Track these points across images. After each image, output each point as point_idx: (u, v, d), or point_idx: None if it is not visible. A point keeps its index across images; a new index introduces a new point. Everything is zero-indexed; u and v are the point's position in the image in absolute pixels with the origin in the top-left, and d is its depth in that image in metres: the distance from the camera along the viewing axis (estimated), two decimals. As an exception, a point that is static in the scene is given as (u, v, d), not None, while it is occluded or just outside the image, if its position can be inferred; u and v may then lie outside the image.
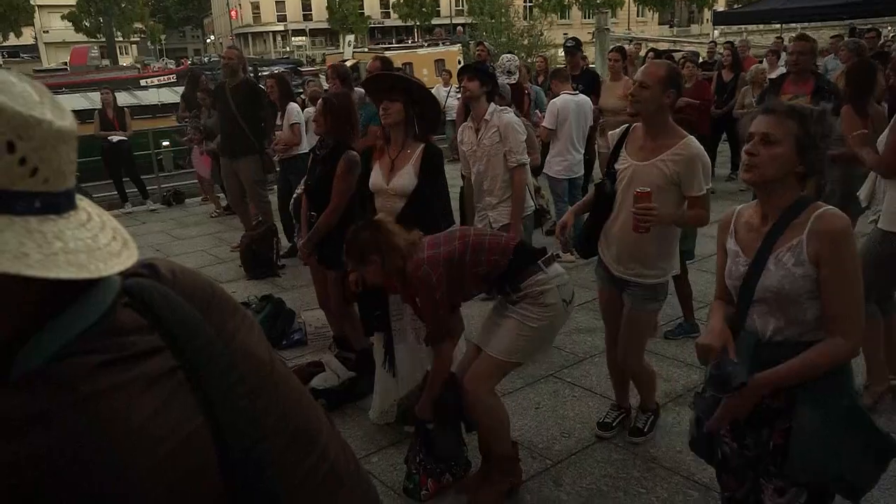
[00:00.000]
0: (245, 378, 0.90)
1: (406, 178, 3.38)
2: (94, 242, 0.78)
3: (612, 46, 13.79)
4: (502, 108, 4.51)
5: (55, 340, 0.75)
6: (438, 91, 11.90)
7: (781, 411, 2.03)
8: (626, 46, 16.13)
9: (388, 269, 2.89)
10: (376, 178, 3.50)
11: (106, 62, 37.84)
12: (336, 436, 1.07)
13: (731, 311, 2.16)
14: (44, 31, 56.37)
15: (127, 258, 0.81)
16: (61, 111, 0.78)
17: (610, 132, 3.41)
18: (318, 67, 27.85)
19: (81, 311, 0.78)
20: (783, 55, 11.64)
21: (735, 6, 66.73)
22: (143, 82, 23.33)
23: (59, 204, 0.76)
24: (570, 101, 5.89)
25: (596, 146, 7.03)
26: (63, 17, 50.98)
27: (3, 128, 0.70)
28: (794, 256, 1.96)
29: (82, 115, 13.30)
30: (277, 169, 7.13)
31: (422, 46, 24.85)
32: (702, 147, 3.01)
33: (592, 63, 14.69)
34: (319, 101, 4.07)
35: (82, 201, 0.83)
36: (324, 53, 45.61)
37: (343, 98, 4.14)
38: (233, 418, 0.85)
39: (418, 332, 3.41)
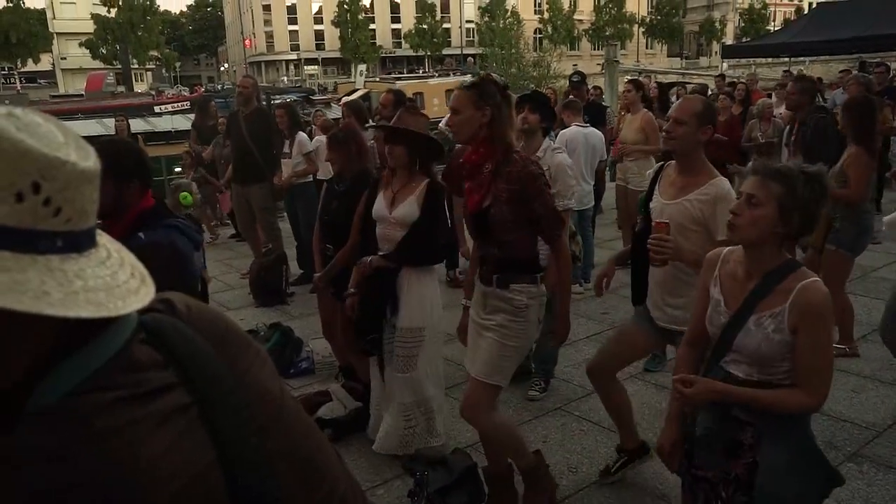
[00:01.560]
0: (256, 415, 0.91)
1: (408, 208, 3.45)
2: (112, 280, 0.79)
3: (626, 78, 13.93)
4: (556, 147, 4.40)
5: (73, 376, 0.77)
6: (449, 121, 11.99)
7: (744, 446, 2.09)
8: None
9: (496, 130, 2.78)
10: (379, 206, 3.57)
11: (121, 88, 38.41)
12: (345, 471, 1.07)
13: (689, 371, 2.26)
14: (61, 58, 57.48)
15: (144, 295, 0.82)
16: (85, 151, 0.80)
17: (648, 171, 3.39)
18: (329, 96, 28.18)
19: (99, 348, 0.79)
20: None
21: (744, 39, 67.27)
22: (157, 109, 23.68)
23: (80, 242, 0.78)
24: (578, 133, 5.93)
25: (608, 179, 7.07)
26: (81, 45, 52.00)
27: (30, 169, 0.72)
28: (774, 323, 2.02)
29: (97, 141, 13.53)
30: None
31: (433, 77, 25.15)
32: (731, 188, 2.92)
33: (603, 96, 14.82)
34: (327, 139, 4.11)
35: (101, 237, 0.84)
36: (335, 82, 46.23)
37: (348, 131, 4.19)
38: (244, 454, 0.85)
39: (403, 361, 3.46)
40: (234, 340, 0.99)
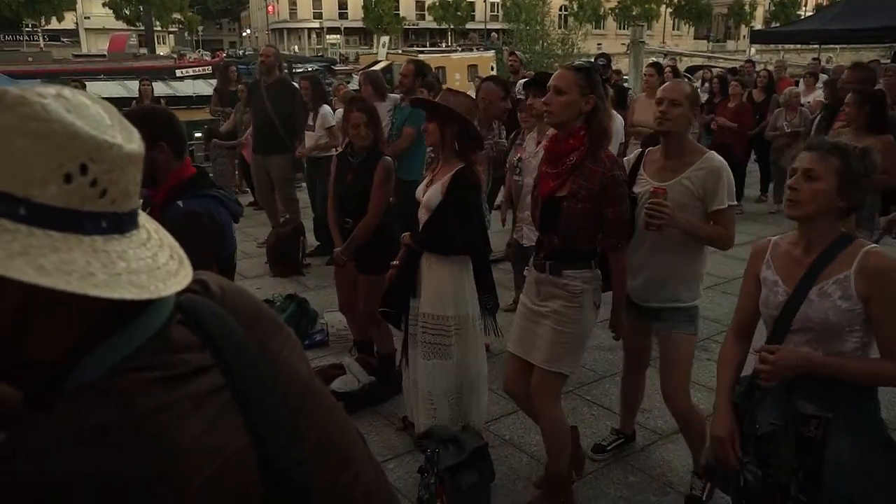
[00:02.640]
0: (288, 397, 0.92)
1: (433, 193, 3.41)
2: (153, 262, 0.81)
3: (647, 61, 13.73)
4: None
5: (113, 355, 0.78)
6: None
7: (812, 440, 2.05)
8: (663, 61, 16.06)
9: (595, 121, 2.75)
10: (419, 188, 3.56)
11: (144, 50, 38.44)
12: (367, 452, 1.09)
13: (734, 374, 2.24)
14: (85, 17, 57.41)
15: (183, 278, 0.84)
16: (129, 133, 0.81)
17: (625, 158, 3.38)
18: (351, 66, 28.02)
19: (139, 328, 0.81)
20: (821, 77, 11.52)
21: (773, 23, 66.04)
22: (178, 72, 23.67)
23: (123, 224, 0.79)
24: (616, 116, 5.88)
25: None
26: (104, 5, 51.84)
27: (79, 151, 0.73)
28: (840, 289, 1.99)
29: (119, 103, 13.53)
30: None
31: (455, 51, 24.93)
32: (724, 160, 2.97)
33: (626, 74, 14.63)
34: (355, 111, 4.06)
35: (140, 217, 0.86)
36: (357, 52, 45.90)
37: (366, 108, 4.16)
38: (276, 436, 0.87)
39: (426, 347, 3.43)
40: (266, 322, 1.00)
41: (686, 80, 12.93)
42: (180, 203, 2.38)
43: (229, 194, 2.64)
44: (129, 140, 0.79)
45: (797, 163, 2.05)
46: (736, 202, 3.03)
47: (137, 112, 2.52)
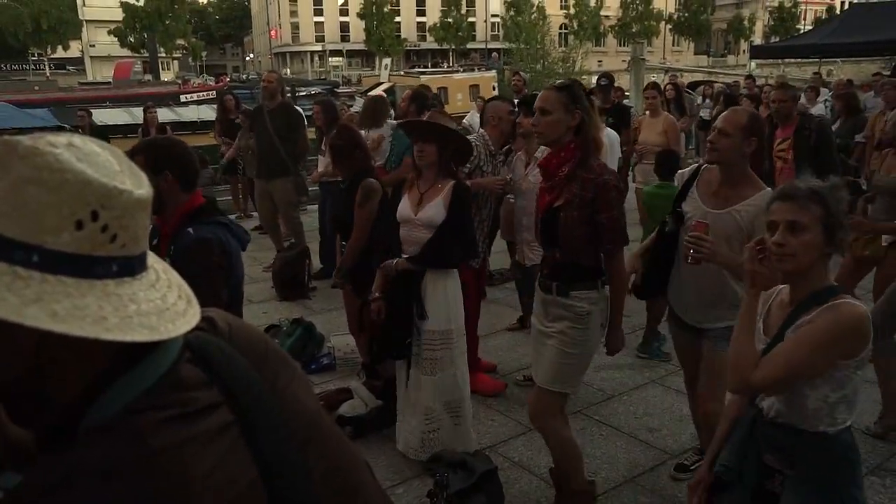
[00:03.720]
0: (296, 432, 0.93)
1: (434, 210, 3.45)
2: (163, 303, 0.82)
3: (648, 78, 13.81)
4: None
5: (126, 395, 0.79)
6: (472, 117, 11.96)
7: (776, 496, 2.00)
8: (664, 77, 16.13)
9: (584, 134, 2.81)
10: (404, 208, 3.57)
11: (148, 77, 38.81)
12: (375, 482, 1.10)
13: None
14: (90, 46, 58.19)
15: (192, 317, 0.85)
16: (138, 178, 0.83)
17: (680, 171, 3.38)
18: (353, 89, 28.27)
19: (150, 367, 0.82)
20: (823, 91, 11.57)
21: (773, 38, 66.27)
22: (182, 98, 23.89)
23: (133, 267, 0.81)
24: (610, 133, 5.90)
25: (630, 180, 7.04)
26: (109, 33, 52.57)
27: (90, 198, 0.75)
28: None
29: (124, 130, 13.73)
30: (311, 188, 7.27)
31: (457, 72, 25.11)
32: None
33: (628, 91, 14.73)
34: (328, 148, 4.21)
35: (150, 257, 0.87)
36: (360, 74, 46.35)
37: (343, 134, 4.25)
38: (285, 471, 0.88)
39: (429, 363, 3.45)
40: (274, 358, 1.02)
41: (687, 95, 13.03)
42: (190, 230, 2.44)
43: (237, 223, 2.68)
44: (139, 186, 0.81)
45: (775, 215, 1.95)
46: None
47: (142, 143, 2.58)
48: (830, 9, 76.17)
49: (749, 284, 2.02)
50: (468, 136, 4.45)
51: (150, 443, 0.75)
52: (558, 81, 3.03)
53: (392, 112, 7.49)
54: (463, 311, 3.60)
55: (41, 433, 0.83)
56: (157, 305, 0.81)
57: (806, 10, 74.43)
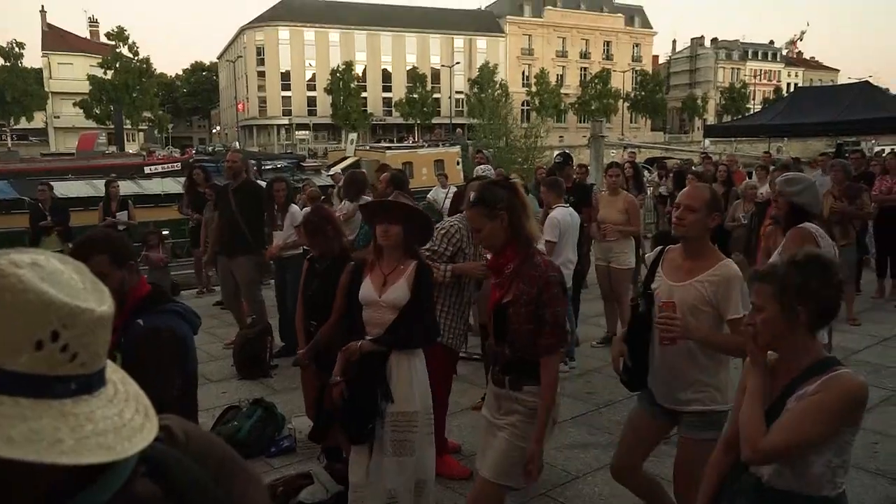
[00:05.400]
0: None
1: (399, 291, 3.43)
2: (120, 419, 0.82)
3: (607, 154, 14.30)
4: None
5: None
6: (437, 192, 12.19)
7: None
8: (622, 153, 16.66)
9: (513, 236, 2.85)
10: (367, 290, 3.52)
11: (113, 148, 38.69)
12: None
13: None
14: (55, 117, 58.03)
15: (148, 432, 0.85)
16: (100, 294, 0.84)
17: (647, 254, 3.45)
18: (319, 162, 28.53)
19: (104, 485, 0.81)
20: (772, 169, 12.06)
21: (725, 116, 69.14)
22: (147, 170, 23.77)
23: (91, 384, 0.81)
24: (566, 214, 6.04)
25: (592, 257, 7.18)
26: (75, 104, 52.60)
27: (52, 319, 0.75)
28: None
29: (86, 203, 13.57)
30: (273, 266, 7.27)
31: (422, 147, 25.61)
32: (738, 270, 2.99)
33: (588, 165, 15.17)
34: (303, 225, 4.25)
35: (108, 369, 0.87)
36: (326, 147, 46.91)
37: (317, 214, 4.31)
38: None
39: (393, 445, 3.39)
40: (230, 466, 1.01)
41: (645, 171, 13.48)
42: (140, 321, 2.35)
43: (188, 307, 2.62)
44: (101, 302, 0.82)
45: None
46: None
47: (99, 242, 2.49)
48: (777, 89, 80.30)
49: (752, 362, 2.15)
50: (452, 218, 4.51)
51: None
52: (473, 196, 3.09)
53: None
54: (429, 391, 3.55)
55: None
56: (114, 422, 0.81)
57: (755, 90, 78.30)
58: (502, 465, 2.86)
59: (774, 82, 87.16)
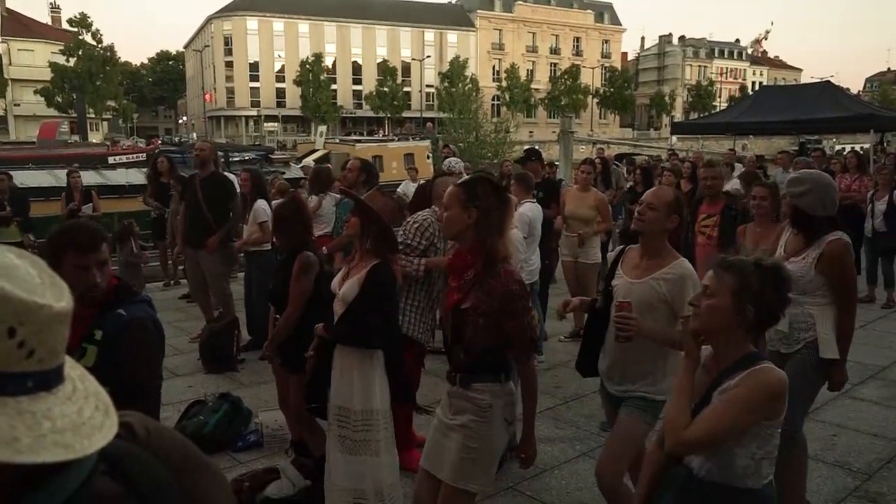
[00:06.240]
0: None
1: (350, 288, 3.43)
2: (78, 417, 0.80)
3: (576, 149, 14.38)
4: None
5: None
6: (406, 186, 12.14)
7: None
8: (591, 148, 16.79)
9: (479, 235, 2.69)
10: (334, 281, 3.58)
11: (76, 137, 37.82)
12: None
13: None
14: (14, 104, 56.48)
15: (108, 430, 0.83)
16: (59, 290, 0.82)
17: (609, 252, 3.51)
18: (288, 154, 28.24)
19: (62, 483, 0.80)
20: (737, 166, 12.27)
21: (692, 113, 70.10)
22: (111, 160, 23.28)
23: (49, 380, 0.79)
24: (535, 209, 6.06)
25: (559, 253, 7.22)
26: (36, 92, 51.27)
27: (7, 315, 0.73)
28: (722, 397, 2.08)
29: (47, 193, 13.25)
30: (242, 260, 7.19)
31: (392, 140, 25.50)
32: (693, 269, 3.09)
33: (557, 161, 15.28)
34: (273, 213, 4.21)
35: (67, 365, 0.85)
36: (295, 140, 46.45)
37: (290, 206, 4.27)
38: None
39: (339, 441, 3.38)
40: (193, 463, 1.00)
41: (615, 168, 13.59)
42: (122, 311, 2.38)
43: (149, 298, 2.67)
44: (59, 298, 0.80)
45: (703, 279, 2.19)
46: None
47: (95, 227, 2.54)
48: (743, 87, 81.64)
49: (685, 354, 2.22)
50: (424, 212, 4.47)
51: None
52: (465, 177, 3.08)
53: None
54: (380, 395, 3.43)
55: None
56: (73, 420, 0.79)
57: (721, 88, 79.48)
58: (460, 469, 2.80)
59: (740, 80, 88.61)
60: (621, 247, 3.37)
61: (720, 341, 2.14)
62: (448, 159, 7.98)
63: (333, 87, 62.63)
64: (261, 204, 6.84)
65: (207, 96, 65.67)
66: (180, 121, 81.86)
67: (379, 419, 3.37)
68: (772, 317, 2.13)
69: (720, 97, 76.01)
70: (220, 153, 9.42)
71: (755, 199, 4.51)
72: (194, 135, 50.17)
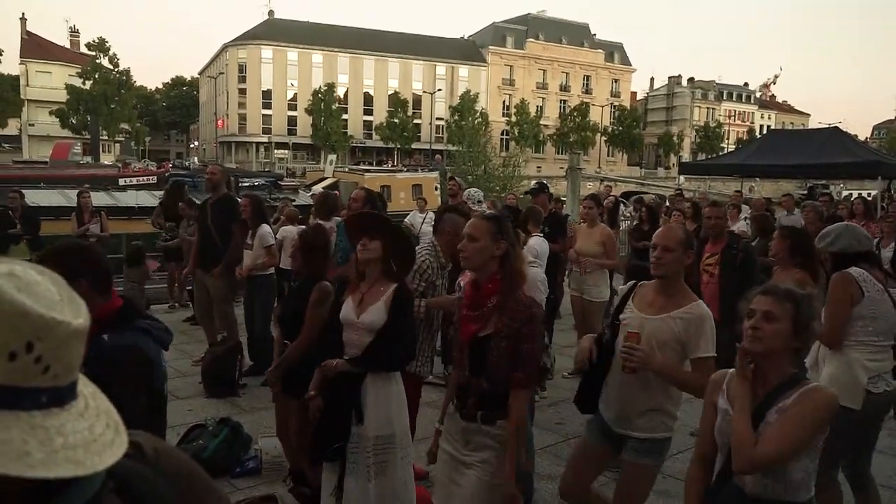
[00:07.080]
0: None
1: (376, 314, 3.40)
2: (90, 434, 0.81)
3: (584, 186, 14.46)
4: (531, 261, 4.43)
5: None
6: (414, 217, 12.20)
7: None
8: (599, 186, 16.88)
9: (507, 264, 2.87)
10: (347, 311, 3.52)
11: (88, 158, 38.22)
12: None
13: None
14: (29, 125, 57.20)
15: (118, 447, 0.84)
16: (76, 306, 0.83)
17: (620, 286, 3.51)
18: (298, 181, 28.45)
19: (71, 500, 0.80)
20: (744, 207, 12.30)
21: (699, 154, 70.38)
22: (121, 182, 23.52)
23: (63, 397, 0.80)
24: (542, 244, 6.08)
25: (567, 286, 7.22)
26: (51, 113, 51.98)
27: (27, 330, 0.75)
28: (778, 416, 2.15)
29: (57, 213, 13.37)
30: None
31: (401, 171, 25.70)
32: (710, 312, 3.06)
33: (564, 196, 15.33)
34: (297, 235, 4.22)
35: (79, 383, 0.87)
36: (304, 167, 46.84)
37: (320, 236, 4.28)
38: None
39: (372, 468, 3.34)
40: (198, 485, 1.01)
41: (622, 205, 13.66)
42: (105, 337, 2.28)
43: (158, 324, 2.56)
44: (77, 315, 0.82)
45: (755, 304, 2.25)
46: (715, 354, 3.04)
47: (51, 251, 2.45)
48: (751, 130, 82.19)
49: (738, 374, 2.30)
50: (419, 249, 4.45)
51: None
52: (488, 212, 3.17)
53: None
54: (407, 414, 3.49)
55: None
56: (84, 437, 0.80)
57: (729, 130, 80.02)
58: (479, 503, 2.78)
59: (748, 123, 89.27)
60: (633, 282, 3.34)
61: (771, 363, 2.23)
62: (468, 190, 7.97)
63: (344, 116, 63.27)
64: (265, 228, 6.88)
65: (220, 122, 66.45)
66: (192, 145, 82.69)
67: (398, 440, 3.35)
68: (809, 344, 2.32)
69: (728, 139, 76.50)
70: (231, 180, 9.51)
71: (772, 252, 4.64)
72: (195, 159, 50.59)
